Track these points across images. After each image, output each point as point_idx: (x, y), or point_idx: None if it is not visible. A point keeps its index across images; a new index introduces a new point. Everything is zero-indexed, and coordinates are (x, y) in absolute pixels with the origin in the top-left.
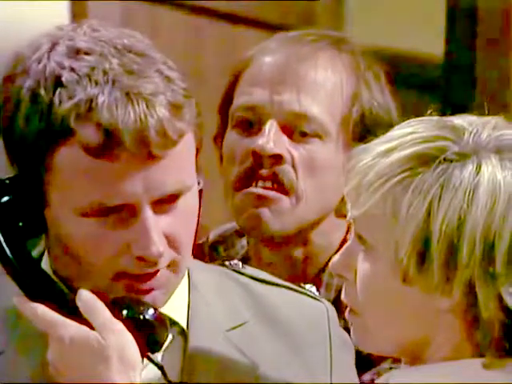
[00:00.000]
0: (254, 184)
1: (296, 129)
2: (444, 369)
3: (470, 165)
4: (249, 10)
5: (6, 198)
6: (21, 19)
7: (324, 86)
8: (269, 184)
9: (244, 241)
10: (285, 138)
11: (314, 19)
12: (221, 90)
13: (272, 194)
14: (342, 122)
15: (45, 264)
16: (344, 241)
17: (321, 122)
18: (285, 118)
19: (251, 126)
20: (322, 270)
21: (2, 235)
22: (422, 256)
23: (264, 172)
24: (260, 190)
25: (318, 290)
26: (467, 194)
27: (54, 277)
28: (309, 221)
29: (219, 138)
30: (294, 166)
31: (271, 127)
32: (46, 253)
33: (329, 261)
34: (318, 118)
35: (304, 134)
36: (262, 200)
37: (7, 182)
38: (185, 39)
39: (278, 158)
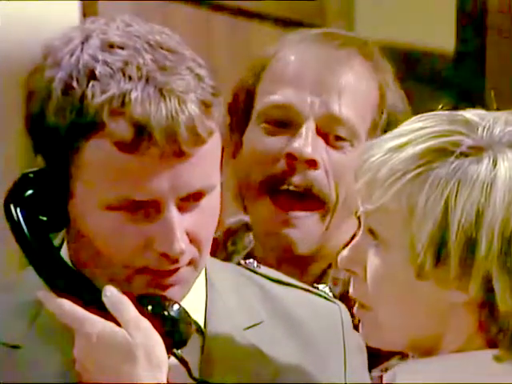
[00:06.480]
0: (284, 187)
1: (331, 132)
2: (452, 362)
3: (485, 159)
4: (260, 6)
5: (29, 192)
6: (32, 18)
7: (360, 91)
8: (300, 191)
9: (252, 235)
10: (321, 142)
11: (325, 14)
12: (232, 85)
13: (303, 214)
14: (371, 128)
15: (64, 256)
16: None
17: (355, 126)
18: (322, 121)
19: (282, 125)
20: (329, 265)
21: (27, 228)
22: (439, 251)
23: (297, 179)
24: (292, 214)
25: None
26: (485, 188)
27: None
28: (333, 235)
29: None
30: (326, 173)
31: (308, 129)
32: (64, 245)
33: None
34: (353, 122)
35: (338, 138)
36: (292, 219)
37: (31, 175)
38: (196, 35)
39: (312, 164)
